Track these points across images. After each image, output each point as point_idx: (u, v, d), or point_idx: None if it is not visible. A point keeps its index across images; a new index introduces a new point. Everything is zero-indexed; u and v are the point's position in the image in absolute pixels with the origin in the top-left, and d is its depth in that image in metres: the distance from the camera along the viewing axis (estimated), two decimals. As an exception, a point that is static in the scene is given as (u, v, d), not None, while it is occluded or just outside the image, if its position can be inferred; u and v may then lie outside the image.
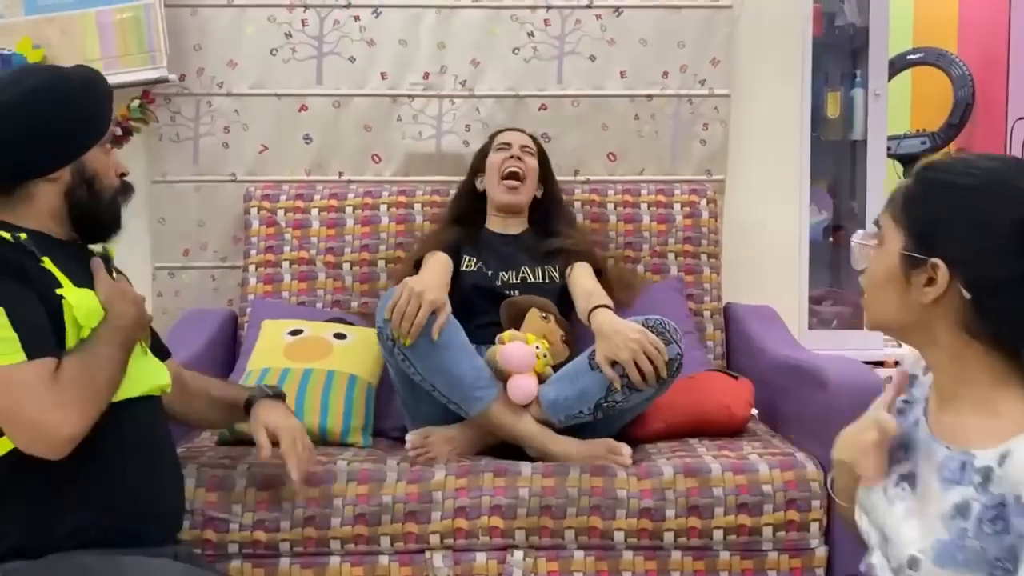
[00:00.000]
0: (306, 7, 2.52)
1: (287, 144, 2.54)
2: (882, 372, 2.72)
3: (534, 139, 2.33)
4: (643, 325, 1.78)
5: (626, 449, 1.78)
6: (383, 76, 2.54)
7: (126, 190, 1.53)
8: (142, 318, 1.44)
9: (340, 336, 2.11)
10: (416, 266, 2.16)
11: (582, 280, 2.09)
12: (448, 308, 1.79)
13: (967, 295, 1.01)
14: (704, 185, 2.52)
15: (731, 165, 2.60)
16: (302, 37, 2.52)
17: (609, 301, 1.95)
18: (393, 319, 1.75)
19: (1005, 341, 1.03)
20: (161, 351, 1.62)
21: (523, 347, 1.85)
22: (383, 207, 2.40)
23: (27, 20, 2.45)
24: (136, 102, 2.46)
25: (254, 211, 2.41)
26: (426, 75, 2.54)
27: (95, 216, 1.46)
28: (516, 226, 2.27)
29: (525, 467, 1.75)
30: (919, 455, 1.09)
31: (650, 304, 2.29)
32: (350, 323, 2.19)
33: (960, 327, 1.03)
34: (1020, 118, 2.99)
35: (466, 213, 2.28)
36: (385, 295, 1.83)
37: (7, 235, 1.34)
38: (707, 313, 2.40)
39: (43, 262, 1.35)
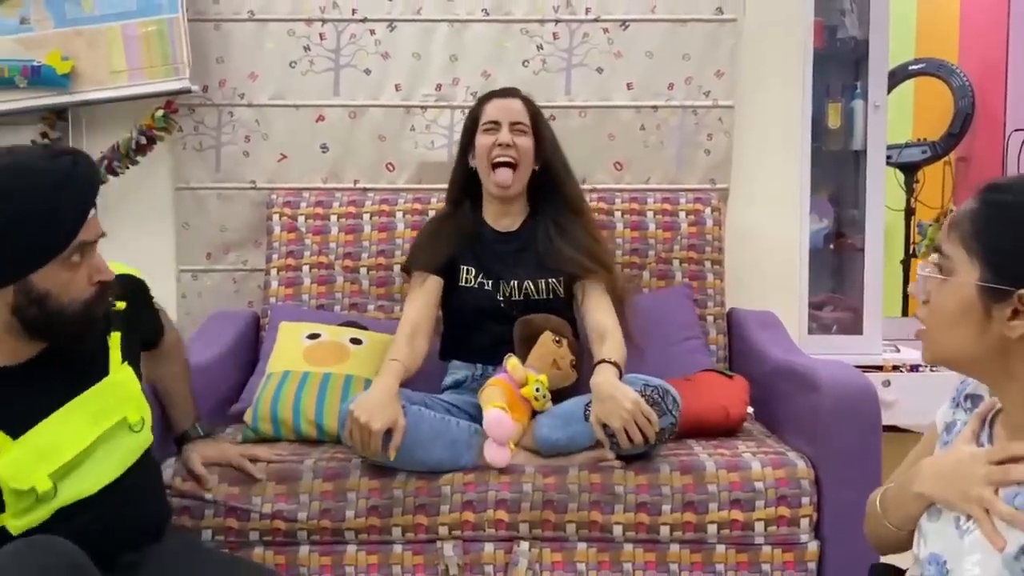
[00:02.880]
0: (324, 22, 2.61)
1: (305, 153, 2.62)
2: (879, 376, 2.80)
3: (526, 102, 2.13)
4: (642, 391, 1.76)
5: (610, 454, 1.81)
6: (397, 88, 2.63)
7: (101, 299, 1.36)
8: None
9: (356, 341, 2.19)
10: (407, 271, 2.13)
11: (595, 314, 2.00)
12: (402, 422, 1.73)
13: None
14: (708, 194, 2.58)
15: (734, 174, 2.66)
16: (320, 50, 2.62)
17: (617, 354, 1.89)
18: (353, 448, 1.76)
19: None
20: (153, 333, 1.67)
21: (503, 420, 1.80)
22: (399, 214, 2.48)
23: (57, 33, 2.53)
24: (160, 112, 2.53)
25: (276, 217, 2.50)
26: (438, 87, 2.63)
27: (58, 330, 1.32)
28: (516, 214, 2.14)
29: (528, 465, 1.83)
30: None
31: (658, 309, 2.38)
32: (364, 327, 2.27)
33: None
34: (1017, 129, 3.05)
35: (463, 197, 2.17)
36: (341, 415, 1.79)
37: None
38: (711, 318, 2.47)
39: None
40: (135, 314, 1.54)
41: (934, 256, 1.07)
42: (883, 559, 1.34)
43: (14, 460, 1.27)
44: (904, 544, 1.21)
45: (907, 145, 3.78)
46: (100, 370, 1.42)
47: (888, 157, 3.71)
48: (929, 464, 1.12)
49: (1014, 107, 3.30)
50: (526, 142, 2.07)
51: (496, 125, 2.07)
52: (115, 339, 1.46)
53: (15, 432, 1.29)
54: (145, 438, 1.47)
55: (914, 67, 3.79)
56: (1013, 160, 2.99)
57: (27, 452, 1.28)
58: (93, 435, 1.37)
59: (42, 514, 1.31)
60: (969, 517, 1.05)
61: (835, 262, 3.17)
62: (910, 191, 3.78)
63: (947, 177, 3.88)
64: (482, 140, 2.08)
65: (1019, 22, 3.44)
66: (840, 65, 3.06)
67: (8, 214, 1.24)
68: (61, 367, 1.36)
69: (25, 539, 1.25)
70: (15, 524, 1.30)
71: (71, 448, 1.33)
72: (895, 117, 3.91)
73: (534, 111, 2.13)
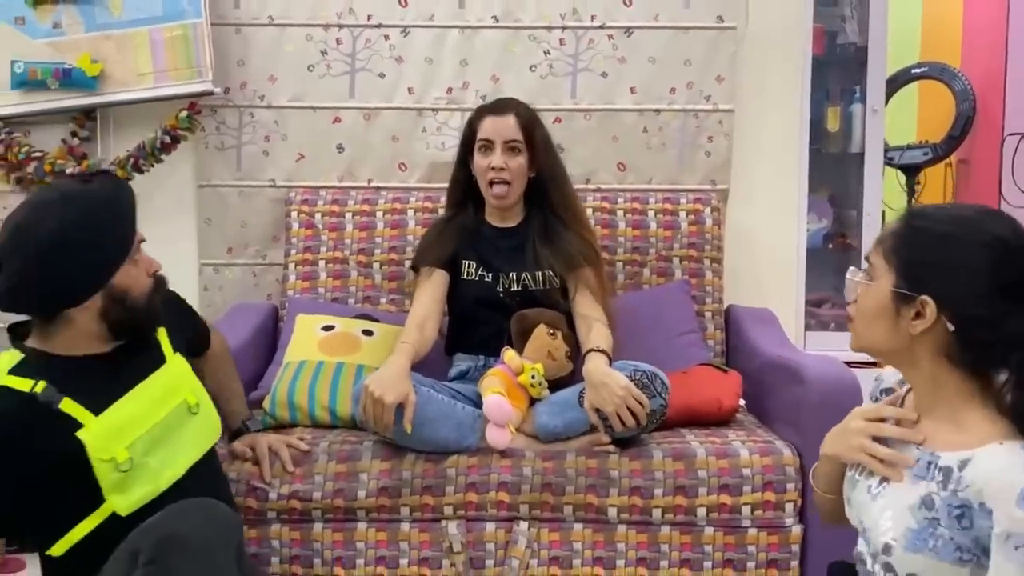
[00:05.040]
0: (341, 27, 2.71)
1: (322, 153, 2.73)
2: (874, 372, 2.88)
3: (519, 114, 2.17)
4: (632, 376, 1.87)
5: (605, 438, 1.93)
6: (410, 91, 2.73)
7: (159, 286, 1.60)
8: None
9: (368, 332, 2.30)
10: (415, 269, 2.23)
11: (581, 305, 2.10)
12: (413, 398, 1.84)
13: (951, 328, 1.17)
14: (708, 194, 2.67)
15: (734, 176, 2.75)
16: (336, 55, 2.72)
17: (604, 342, 1.99)
18: (367, 422, 1.87)
19: (979, 367, 1.19)
20: (202, 339, 1.84)
21: (501, 404, 1.90)
22: (410, 212, 2.59)
23: (87, 37, 2.64)
24: (184, 113, 2.65)
25: (294, 214, 2.62)
26: (449, 90, 2.74)
27: (133, 326, 1.55)
28: (514, 214, 2.23)
29: (528, 450, 1.94)
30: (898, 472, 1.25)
31: (657, 305, 2.48)
32: (376, 319, 2.38)
33: (941, 354, 1.20)
34: (1011, 133, 3.12)
35: (465, 200, 2.25)
36: (355, 391, 1.92)
37: (25, 386, 1.44)
38: (708, 314, 2.56)
39: (61, 407, 1.44)
40: (174, 312, 1.73)
41: (864, 263, 1.28)
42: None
43: (97, 434, 1.46)
44: (840, 512, 1.40)
45: (909, 147, 3.85)
46: (158, 359, 1.62)
47: (890, 159, 3.80)
48: (832, 430, 1.37)
49: (1012, 110, 3.37)
50: (519, 160, 2.14)
51: (490, 144, 2.14)
52: (162, 333, 1.65)
53: (96, 410, 1.47)
54: (205, 423, 1.64)
55: (917, 70, 3.86)
56: (1007, 162, 3.06)
57: (107, 427, 1.47)
58: (159, 415, 1.55)
59: (145, 493, 1.49)
60: (880, 482, 1.26)
61: (834, 261, 3.25)
62: (911, 192, 3.85)
63: (948, 179, 3.95)
64: (478, 159, 2.17)
65: (1017, 28, 3.51)
66: (840, 70, 3.14)
67: (94, 231, 1.47)
68: (130, 356, 1.57)
69: (190, 499, 1.45)
70: (120, 503, 1.47)
71: (141, 424, 1.51)
72: (899, 119, 4.00)
73: (527, 124, 2.16)
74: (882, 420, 1.29)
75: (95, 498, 1.47)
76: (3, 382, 1.46)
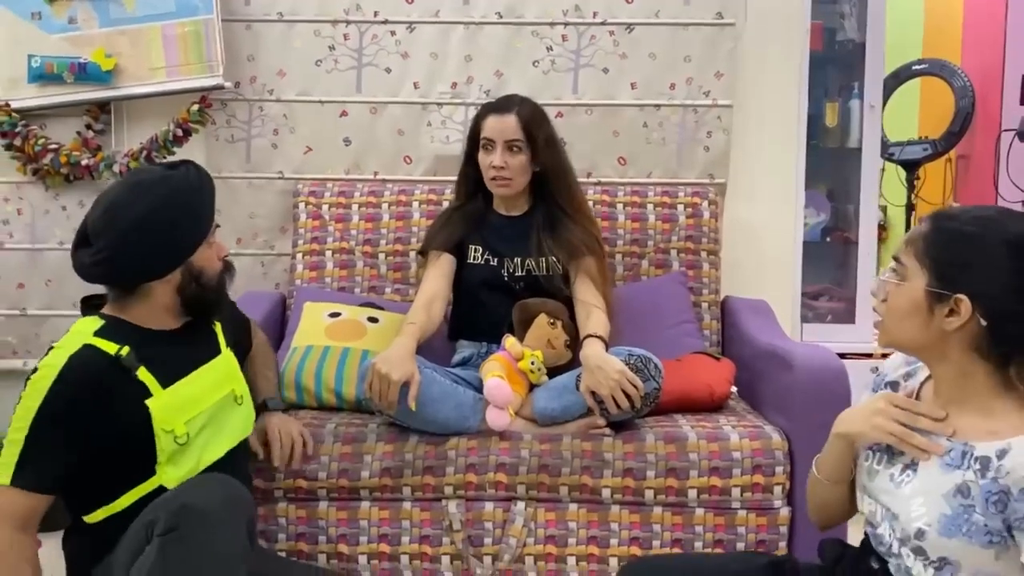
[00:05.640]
0: (348, 23, 2.77)
1: (329, 146, 2.80)
2: (865, 363, 2.94)
3: (520, 113, 2.20)
4: (627, 360, 1.94)
5: (601, 421, 1.99)
6: (415, 85, 2.80)
7: (228, 269, 1.74)
8: None
9: (373, 319, 2.37)
10: (423, 253, 2.30)
11: (581, 293, 2.16)
12: (418, 377, 1.91)
13: (983, 323, 1.24)
14: (706, 188, 2.72)
15: (732, 170, 2.80)
16: (344, 50, 2.79)
17: (602, 328, 2.05)
18: (372, 399, 1.93)
19: (1010, 359, 1.25)
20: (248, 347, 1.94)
21: (501, 386, 1.97)
22: (415, 204, 2.65)
23: (101, 32, 2.72)
24: (195, 106, 2.72)
25: (302, 205, 2.68)
26: (454, 85, 2.80)
27: (204, 304, 1.67)
28: (521, 205, 2.29)
29: (526, 433, 2.01)
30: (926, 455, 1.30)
31: (655, 295, 2.54)
32: (381, 308, 2.45)
33: (971, 348, 1.26)
34: (1006, 129, 3.16)
35: (475, 191, 2.31)
36: (361, 370, 2.00)
37: (111, 349, 1.54)
38: (705, 305, 2.62)
39: (138, 374, 1.55)
40: (231, 316, 1.88)
41: (892, 264, 1.33)
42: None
43: (164, 404, 1.57)
44: (841, 510, 1.44)
45: (909, 143, 3.89)
46: (215, 349, 1.74)
47: (891, 154, 3.85)
48: (844, 412, 1.41)
49: (1009, 106, 3.42)
50: (519, 159, 2.20)
51: (491, 144, 2.20)
52: (218, 327, 1.77)
53: (165, 382, 1.59)
54: (246, 414, 1.76)
55: (918, 67, 3.90)
56: (1004, 159, 3.11)
57: (172, 400, 1.58)
58: (214, 398, 1.67)
59: (189, 470, 1.58)
60: (903, 470, 1.31)
61: (832, 254, 3.31)
62: (911, 188, 3.90)
63: (947, 174, 3.99)
64: (482, 157, 2.23)
65: (1016, 25, 3.55)
66: (839, 66, 3.19)
67: (180, 213, 1.60)
68: (194, 338, 1.69)
69: (207, 474, 1.58)
70: (170, 475, 1.57)
71: (199, 404, 1.63)
72: (901, 115, 4.04)
73: (528, 122, 2.20)
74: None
75: (147, 468, 1.56)
76: (91, 342, 1.55)
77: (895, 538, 1.31)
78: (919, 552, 1.27)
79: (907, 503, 1.28)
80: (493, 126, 2.21)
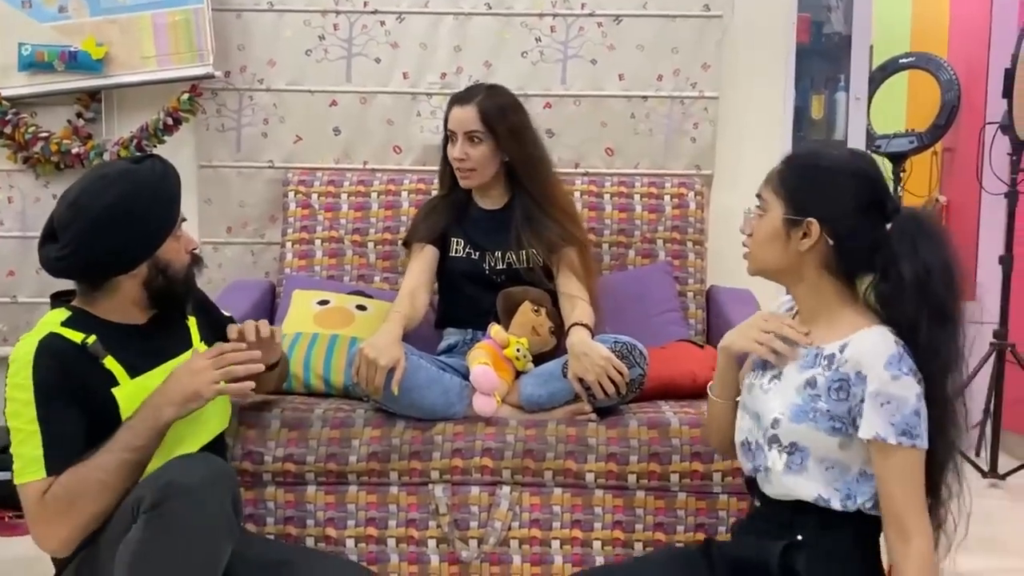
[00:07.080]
0: (338, 13, 2.79)
1: (319, 135, 2.82)
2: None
3: (481, 104, 2.19)
4: (613, 347, 1.97)
5: (587, 407, 2.02)
6: (405, 75, 2.82)
7: (197, 262, 1.73)
8: (199, 391, 1.58)
9: (361, 307, 2.40)
10: (407, 245, 2.33)
11: (565, 283, 2.18)
12: (403, 362, 1.93)
13: (831, 242, 1.44)
14: (693, 179, 2.75)
15: (718, 161, 2.83)
16: (334, 40, 2.80)
17: (587, 317, 2.08)
18: (359, 384, 1.96)
19: (851, 272, 1.47)
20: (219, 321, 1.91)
21: (487, 372, 2.00)
22: (404, 193, 2.68)
23: (92, 21, 2.73)
24: (185, 95, 2.73)
25: (291, 194, 2.70)
26: (443, 75, 2.82)
27: (172, 297, 1.67)
28: (498, 197, 2.30)
29: (512, 418, 2.04)
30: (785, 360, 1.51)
31: (640, 284, 2.58)
32: (369, 296, 2.48)
33: (822, 266, 1.47)
34: (989, 123, 3.20)
35: (454, 181, 2.30)
36: (349, 356, 2.03)
37: (77, 338, 1.55)
38: (690, 294, 2.65)
39: (105, 363, 1.56)
40: (208, 315, 1.85)
41: (756, 200, 1.53)
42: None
43: (130, 394, 1.58)
44: (732, 432, 1.60)
45: (896, 135, 3.93)
46: (187, 343, 1.74)
47: (877, 147, 3.89)
48: (733, 329, 1.62)
49: (993, 100, 3.45)
50: (480, 150, 2.20)
51: (455, 135, 2.22)
52: (192, 322, 1.77)
53: (133, 373, 1.60)
54: (221, 409, 1.75)
55: (904, 60, 3.94)
56: (987, 151, 3.15)
57: (138, 391, 1.59)
58: None
59: (156, 465, 1.57)
60: (771, 380, 1.51)
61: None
62: (897, 180, 3.93)
63: (934, 167, 4.03)
64: (448, 148, 2.25)
65: (1000, 19, 3.58)
66: (825, 59, 3.22)
67: (145, 205, 1.59)
68: (166, 332, 1.70)
69: (189, 453, 1.60)
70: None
71: None
72: (888, 108, 4.07)
73: (489, 113, 2.18)
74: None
75: None
76: (57, 331, 1.56)
77: (757, 437, 1.50)
78: (774, 440, 1.46)
79: (768, 402, 1.49)
80: (454, 116, 2.22)
